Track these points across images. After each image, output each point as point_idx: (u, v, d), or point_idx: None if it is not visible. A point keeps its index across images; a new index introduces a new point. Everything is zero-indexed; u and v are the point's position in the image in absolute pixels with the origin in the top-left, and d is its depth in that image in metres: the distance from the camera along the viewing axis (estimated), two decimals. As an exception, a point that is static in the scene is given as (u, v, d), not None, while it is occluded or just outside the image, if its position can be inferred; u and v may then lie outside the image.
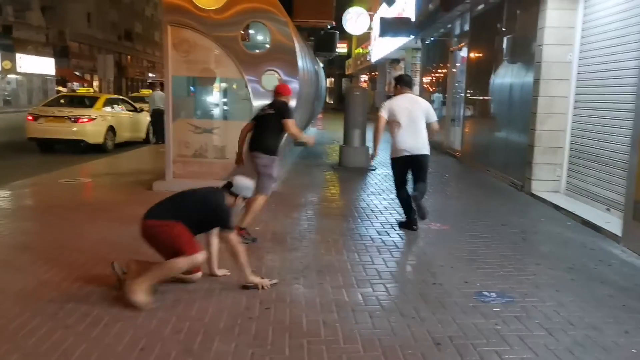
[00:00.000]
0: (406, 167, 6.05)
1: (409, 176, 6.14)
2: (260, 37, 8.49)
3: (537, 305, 3.99)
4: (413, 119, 5.93)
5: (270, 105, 5.65)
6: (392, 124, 5.99)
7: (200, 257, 3.91)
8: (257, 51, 8.17)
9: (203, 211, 4.06)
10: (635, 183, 5.43)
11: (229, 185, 4.26)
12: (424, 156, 5.96)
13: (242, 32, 8.05)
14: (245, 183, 4.33)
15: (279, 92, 5.72)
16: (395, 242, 5.60)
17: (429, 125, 6.05)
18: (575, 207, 7.14)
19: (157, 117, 15.12)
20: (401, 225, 6.22)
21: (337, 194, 8.36)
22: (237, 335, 3.38)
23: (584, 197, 7.39)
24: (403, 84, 6.25)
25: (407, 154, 5.95)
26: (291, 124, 5.48)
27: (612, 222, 6.18)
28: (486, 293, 4.21)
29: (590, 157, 7.34)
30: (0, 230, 5.82)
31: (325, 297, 4.04)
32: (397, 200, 6.41)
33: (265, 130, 5.50)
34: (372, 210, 7.06)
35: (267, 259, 4.91)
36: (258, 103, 7.91)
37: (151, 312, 3.68)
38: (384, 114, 6.01)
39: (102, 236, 5.50)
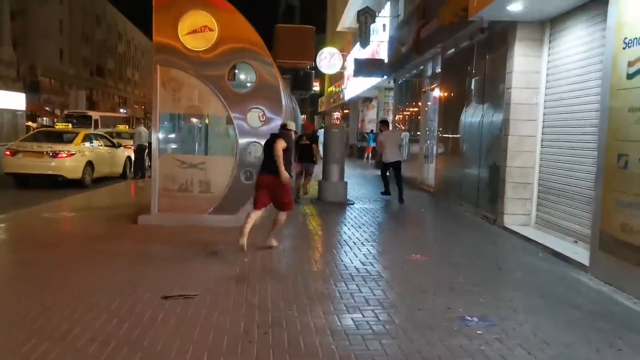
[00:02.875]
0: (389, 167, 11.64)
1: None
2: (246, 76, 8.84)
3: (515, 328, 4.31)
4: (393, 143, 11.64)
5: (305, 137, 11.05)
6: (381, 146, 11.67)
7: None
8: (243, 90, 8.50)
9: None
10: (600, 216, 5.87)
11: (283, 125, 6.87)
12: (399, 162, 11.59)
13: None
14: (291, 122, 7.14)
15: (307, 127, 12.87)
16: (379, 272, 5.88)
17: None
18: (545, 239, 7.56)
19: (142, 152, 15.29)
20: (382, 193, 11.97)
21: (319, 227, 8.64)
22: (240, 355, 3.59)
23: (553, 230, 7.83)
24: (386, 125, 12.37)
25: (391, 160, 11.51)
26: (316, 147, 10.97)
27: (580, 253, 6.59)
28: (468, 317, 4.51)
29: (557, 192, 7.82)
30: (-8, 262, 5.90)
31: (319, 322, 4.28)
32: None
33: (309, 151, 10.79)
34: (354, 242, 7.34)
35: (259, 288, 5.12)
36: (243, 140, 8.23)
37: (156, 336, 3.86)
38: (380, 141, 11.84)
39: (98, 267, 5.63)
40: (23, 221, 8.36)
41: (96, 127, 24.36)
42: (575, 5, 7.28)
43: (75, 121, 25.52)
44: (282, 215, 6.73)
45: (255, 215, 6.50)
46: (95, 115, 27.51)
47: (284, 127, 6.84)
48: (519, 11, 7.65)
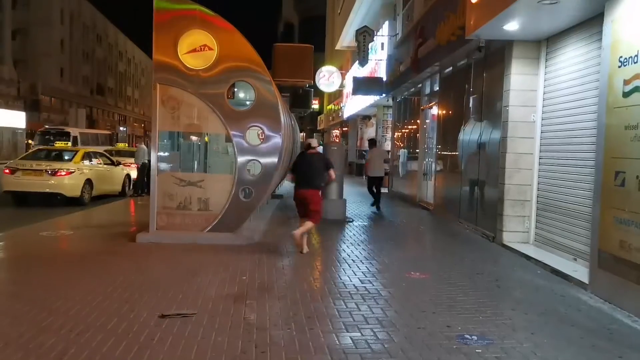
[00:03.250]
0: (373, 181, 13.28)
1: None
2: (245, 95, 8.89)
3: (515, 347, 4.28)
4: (377, 160, 13.36)
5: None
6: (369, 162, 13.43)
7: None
8: (242, 108, 8.53)
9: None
10: (598, 233, 5.87)
11: (308, 144, 8.06)
12: (381, 177, 13.66)
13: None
14: (313, 140, 8.28)
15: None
16: (378, 290, 5.86)
17: (385, 161, 14.14)
18: (544, 256, 7.55)
19: (143, 170, 15.36)
20: (373, 204, 13.18)
21: (318, 245, 8.62)
22: (238, 376, 3.56)
23: (552, 248, 7.82)
24: (373, 144, 14.20)
25: (374, 175, 13.28)
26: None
27: (579, 271, 6.58)
28: (468, 336, 4.48)
29: (555, 210, 7.82)
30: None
31: (318, 341, 4.26)
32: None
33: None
34: (353, 260, 7.32)
35: (257, 306, 5.10)
36: (242, 157, 8.25)
37: (153, 355, 3.83)
38: (368, 159, 13.66)
39: (95, 285, 5.60)
40: (21, 239, 8.34)
41: (75, 144, 22.70)
42: (571, 24, 7.36)
43: (52, 138, 23.56)
44: (307, 224, 7.59)
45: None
46: (74, 131, 25.18)
47: (308, 145, 8.05)
48: (515, 30, 7.73)
